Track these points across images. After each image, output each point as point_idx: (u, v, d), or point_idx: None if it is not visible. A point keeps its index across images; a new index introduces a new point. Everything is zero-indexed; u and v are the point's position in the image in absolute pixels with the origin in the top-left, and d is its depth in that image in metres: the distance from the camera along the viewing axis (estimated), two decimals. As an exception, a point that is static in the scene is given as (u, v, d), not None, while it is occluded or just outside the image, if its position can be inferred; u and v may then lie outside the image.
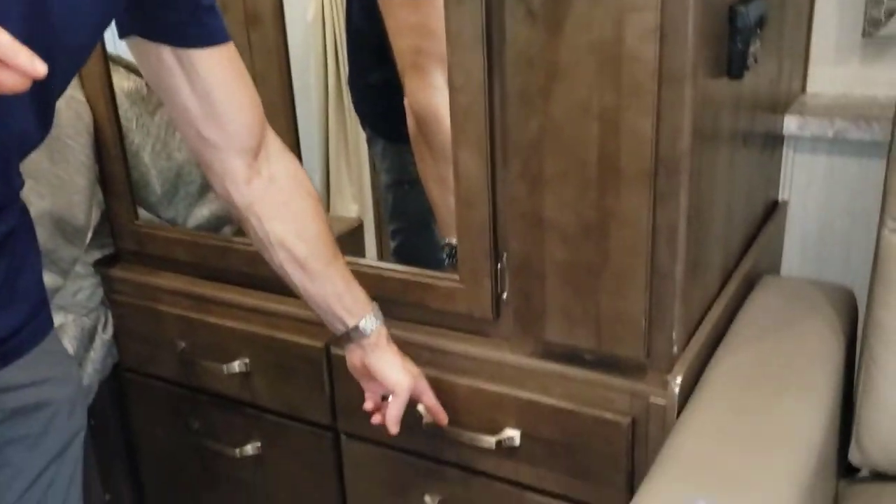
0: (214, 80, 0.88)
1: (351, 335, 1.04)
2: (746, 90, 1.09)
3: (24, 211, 0.87)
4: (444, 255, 1.22)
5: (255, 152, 0.94)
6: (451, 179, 1.04)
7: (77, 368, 1.04)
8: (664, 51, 0.86)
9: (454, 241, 1.11)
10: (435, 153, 1.15)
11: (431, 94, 1.11)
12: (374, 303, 1.05)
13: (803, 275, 1.41)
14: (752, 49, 0.98)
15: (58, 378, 0.91)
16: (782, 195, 1.40)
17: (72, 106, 1.26)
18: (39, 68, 0.50)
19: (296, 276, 1.00)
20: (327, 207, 1.74)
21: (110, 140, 1.30)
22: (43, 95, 0.73)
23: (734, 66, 0.97)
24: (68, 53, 0.73)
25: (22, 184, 0.84)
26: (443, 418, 1.09)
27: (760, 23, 1.00)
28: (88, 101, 1.29)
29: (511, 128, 0.96)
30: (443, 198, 1.18)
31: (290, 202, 0.97)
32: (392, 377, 1.04)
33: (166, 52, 0.85)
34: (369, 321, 1.03)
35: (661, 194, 0.91)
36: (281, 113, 1.15)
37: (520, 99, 0.94)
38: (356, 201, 1.74)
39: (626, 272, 0.95)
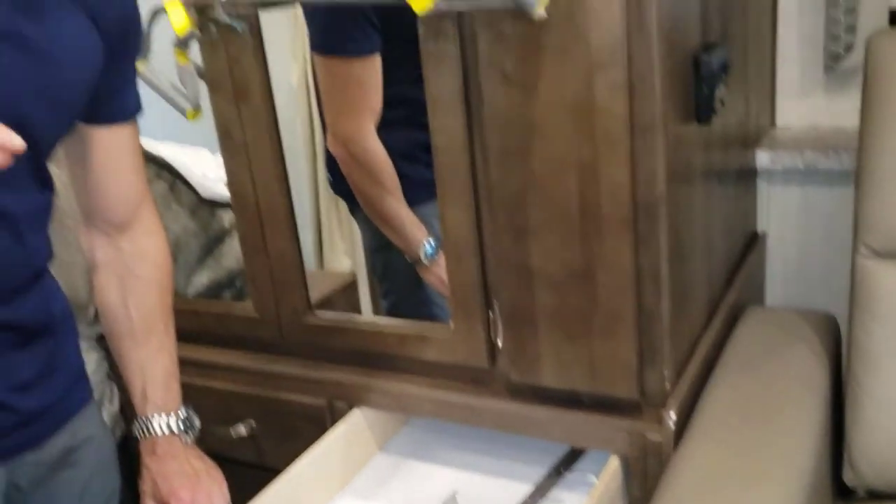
0: (102, 156, 0.91)
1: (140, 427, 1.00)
2: (716, 131, 1.14)
3: (58, 286, 0.92)
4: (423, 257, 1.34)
5: (122, 227, 0.97)
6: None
7: (110, 432, 1.08)
8: (634, 103, 0.91)
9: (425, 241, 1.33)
10: (380, 179, 1.33)
11: (366, 136, 1.31)
12: (186, 412, 1.02)
13: (787, 303, 1.45)
14: (717, 94, 1.04)
15: (95, 438, 0.97)
16: (761, 227, 1.44)
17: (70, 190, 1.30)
18: (17, 143, 0.55)
19: (117, 342, 1.01)
20: (320, 263, 1.78)
21: (108, 216, 1.34)
22: (35, 159, 0.77)
23: (702, 112, 1.02)
24: (58, 109, 0.79)
25: (50, 254, 0.88)
26: None
27: (724, 68, 1.06)
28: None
29: (494, 183, 1.00)
30: (403, 211, 1.35)
31: (134, 275, 0.99)
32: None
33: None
34: (162, 421, 0.99)
35: (643, 238, 0.96)
36: (272, 176, 1.19)
37: (501, 156, 0.99)
38: (349, 256, 1.78)
39: (615, 314, 0.99)
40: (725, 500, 0.90)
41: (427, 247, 1.36)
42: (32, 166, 0.80)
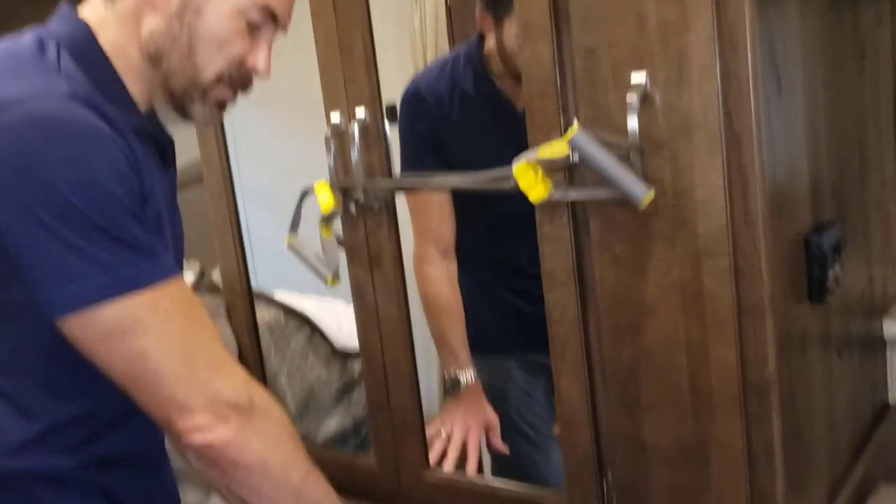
0: None
1: None
2: (834, 306, 1.14)
3: None
4: (447, 388, 1.40)
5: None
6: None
7: None
8: (741, 287, 0.94)
9: (457, 373, 1.41)
10: (430, 308, 1.45)
11: (421, 262, 1.45)
12: None
13: (925, 480, 1.37)
14: (831, 273, 1.05)
15: None
16: (893, 397, 1.39)
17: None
18: None
19: None
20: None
21: (252, 367, 1.46)
22: None
23: (814, 292, 1.03)
24: None
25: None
26: None
27: (838, 247, 1.07)
28: (235, 333, 1.47)
29: (607, 357, 1.04)
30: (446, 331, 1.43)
31: None
32: None
33: None
34: None
35: (754, 418, 0.96)
36: (398, 338, 1.27)
37: (613, 331, 1.03)
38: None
39: (728, 495, 0.99)
40: None
41: (467, 374, 1.43)
42: None
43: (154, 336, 0.81)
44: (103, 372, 0.84)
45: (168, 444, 1.11)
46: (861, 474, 1.20)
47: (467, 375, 1.43)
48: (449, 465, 1.36)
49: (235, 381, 0.87)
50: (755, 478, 0.98)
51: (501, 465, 1.50)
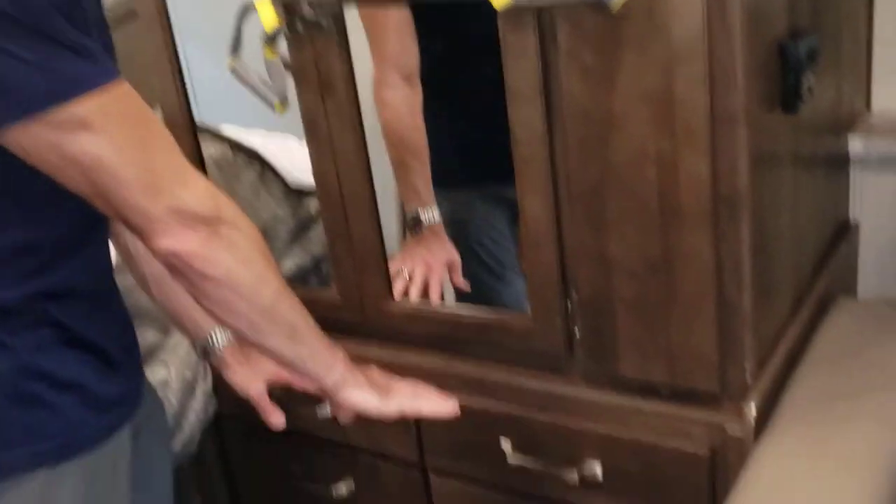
0: None
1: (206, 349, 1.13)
2: (805, 119, 1.10)
3: None
4: (408, 226, 1.37)
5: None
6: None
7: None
8: (715, 95, 0.90)
9: (419, 211, 1.36)
10: (385, 133, 1.35)
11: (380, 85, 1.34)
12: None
13: (880, 295, 1.40)
14: (805, 82, 1.01)
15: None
16: (853, 215, 1.40)
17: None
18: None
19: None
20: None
21: (202, 204, 1.40)
22: None
23: (788, 101, 0.99)
24: None
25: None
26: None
27: (813, 55, 1.02)
28: (181, 169, 1.40)
29: (573, 174, 1.01)
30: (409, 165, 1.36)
31: None
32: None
33: None
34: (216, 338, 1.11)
35: (723, 231, 0.95)
36: (355, 165, 1.21)
37: (580, 147, 0.99)
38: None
39: (695, 306, 0.98)
40: (806, 497, 0.89)
41: (429, 213, 1.39)
42: None
43: (107, 142, 0.76)
44: (67, 187, 0.79)
45: (124, 282, 1.07)
46: (822, 289, 1.21)
47: (429, 214, 1.39)
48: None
49: (199, 191, 0.83)
50: (723, 289, 0.97)
51: (465, 299, 1.49)
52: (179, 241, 0.81)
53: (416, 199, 1.38)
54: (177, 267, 0.83)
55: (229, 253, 0.84)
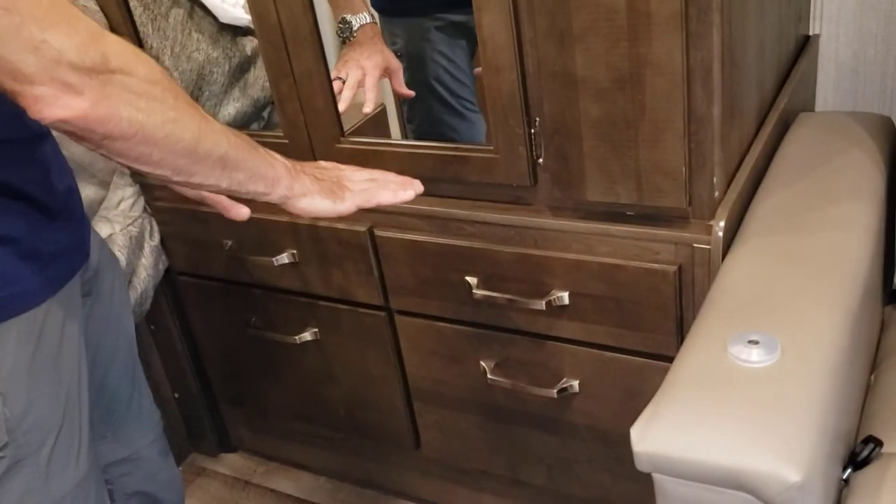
0: None
1: None
2: (773, -82, 1.04)
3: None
4: (338, 33, 1.29)
5: None
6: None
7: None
8: None
9: (348, 16, 1.27)
10: None
11: None
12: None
13: (838, 108, 1.39)
14: None
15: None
16: (814, 29, 1.36)
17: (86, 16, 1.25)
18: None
19: None
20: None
21: (128, 47, 1.29)
22: None
23: None
24: None
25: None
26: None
27: None
28: (102, 8, 1.27)
29: (534, -15, 0.93)
30: None
31: None
32: None
33: None
34: None
35: (694, 35, 0.90)
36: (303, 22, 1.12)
37: (540, -47, 0.91)
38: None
39: (664, 121, 0.95)
40: (775, 308, 0.89)
41: (360, 17, 1.31)
42: None
43: None
44: None
45: (56, 135, 0.98)
46: (785, 104, 1.19)
47: (360, 18, 1.30)
48: (342, 105, 1.26)
49: (79, 36, 0.68)
50: (692, 100, 0.93)
51: (424, 137, 1.43)
52: (66, 106, 0.68)
53: (347, 7, 1.30)
54: (74, 133, 0.71)
55: (128, 104, 0.71)
